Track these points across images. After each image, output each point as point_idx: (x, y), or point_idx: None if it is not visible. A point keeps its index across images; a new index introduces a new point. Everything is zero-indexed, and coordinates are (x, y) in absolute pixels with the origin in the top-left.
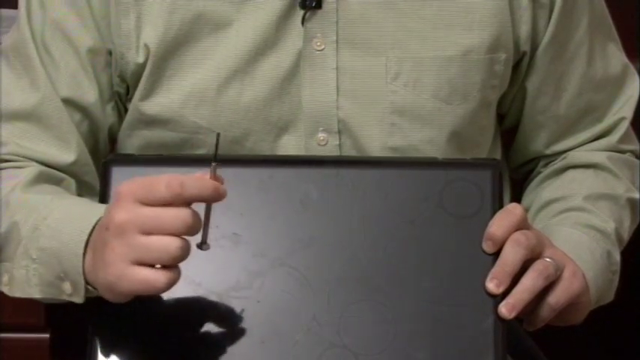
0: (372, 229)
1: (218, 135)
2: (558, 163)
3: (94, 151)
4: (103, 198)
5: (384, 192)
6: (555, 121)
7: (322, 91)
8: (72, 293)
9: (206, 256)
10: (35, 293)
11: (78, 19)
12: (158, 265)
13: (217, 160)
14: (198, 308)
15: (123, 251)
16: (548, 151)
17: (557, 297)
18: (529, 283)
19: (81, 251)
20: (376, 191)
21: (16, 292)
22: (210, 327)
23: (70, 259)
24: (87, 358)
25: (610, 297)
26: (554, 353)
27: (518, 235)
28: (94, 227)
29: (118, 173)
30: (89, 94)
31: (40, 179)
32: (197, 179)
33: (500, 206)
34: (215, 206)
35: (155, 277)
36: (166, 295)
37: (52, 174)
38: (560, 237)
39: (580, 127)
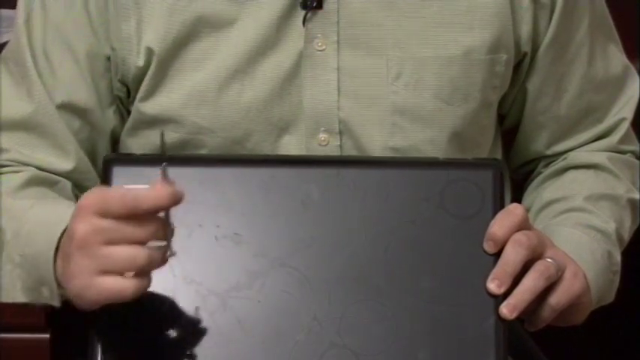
0: (372, 229)
1: (162, 133)
2: (559, 164)
3: (94, 156)
4: None
5: (385, 192)
6: (556, 121)
7: (323, 91)
8: (50, 298)
9: (207, 256)
10: (20, 297)
11: (75, 25)
12: (130, 273)
13: (167, 159)
14: (199, 308)
15: (87, 263)
16: (548, 152)
17: (558, 298)
18: (530, 283)
19: (51, 258)
20: (377, 191)
21: (3, 296)
22: (210, 327)
23: (44, 266)
24: (87, 359)
25: (611, 297)
26: (554, 353)
27: (519, 236)
28: (63, 233)
29: (118, 173)
30: (88, 100)
31: (31, 183)
32: (151, 190)
33: (502, 206)
34: (216, 206)
35: (122, 286)
36: (167, 295)
37: (45, 177)
38: (560, 237)
39: (580, 127)
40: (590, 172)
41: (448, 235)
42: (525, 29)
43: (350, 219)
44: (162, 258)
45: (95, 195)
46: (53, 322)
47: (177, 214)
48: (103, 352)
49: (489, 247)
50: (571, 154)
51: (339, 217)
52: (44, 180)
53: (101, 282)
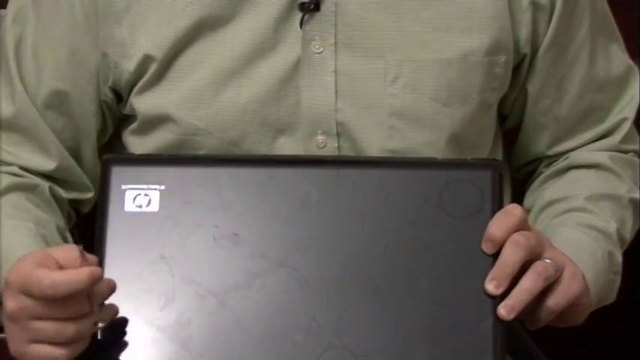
0: (371, 229)
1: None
2: (560, 164)
3: (78, 154)
4: (103, 197)
5: (384, 192)
6: (557, 122)
7: (321, 93)
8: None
9: (206, 257)
10: None
11: (60, 31)
12: None
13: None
14: (198, 308)
15: (18, 334)
16: (550, 152)
17: (556, 299)
18: (528, 284)
19: None
20: (376, 191)
21: None
22: (209, 327)
23: None
24: (87, 359)
25: (612, 298)
26: (554, 353)
27: (517, 237)
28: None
29: (117, 172)
30: (72, 102)
31: (9, 189)
32: (68, 275)
33: (500, 207)
34: (215, 206)
35: (54, 353)
36: (166, 296)
37: (24, 183)
38: (561, 237)
39: (582, 127)
40: (592, 172)
41: (447, 235)
42: (524, 31)
43: (349, 219)
44: (90, 328)
45: (18, 274)
46: None
47: (176, 215)
48: (103, 353)
49: (488, 247)
50: (572, 154)
51: (338, 218)
52: (22, 186)
53: (34, 350)
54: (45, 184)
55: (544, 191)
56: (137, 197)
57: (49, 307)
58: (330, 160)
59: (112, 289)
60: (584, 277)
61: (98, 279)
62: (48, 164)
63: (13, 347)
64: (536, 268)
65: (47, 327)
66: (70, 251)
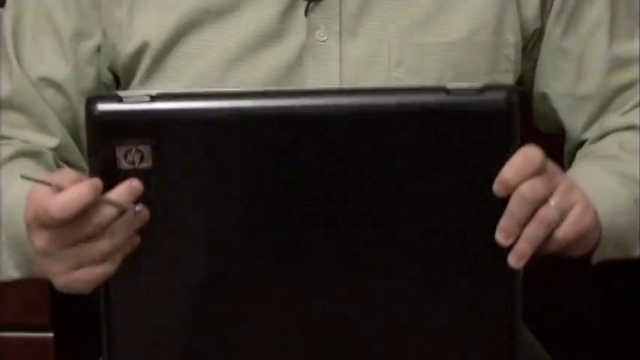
0: (378, 184)
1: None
2: (595, 134)
3: (77, 135)
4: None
5: (387, 140)
6: (588, 100)
7: (326, 82)
8: (42, 274)
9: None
10: (14, 274)
11: (64, 9)
12: None
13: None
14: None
15: (57, 267)
16: (585, 136)
17: (565, 232)
18: (531, 233)
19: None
20: (379, 140)
21: (1, 276)
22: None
23: (27, 245)
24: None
25: (636, 250)
26: (554, 353)
27: (525, 189)
28: None
29: (102, 111)
30: (71, 83)
31: (16, 155)
32: (70, 194)
33: (518, 139)
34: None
35: (99, 270)
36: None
37: (31, 150)
38: (582, 174)
39: (616, 106)
40: (629, 133)
41: (459, 179)
42: (530, 8)
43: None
44: (132, 220)
45: (30, 212)
46: (57, 322)
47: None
48: (105, 352)
49: (499, 190)
50: (605, 123)
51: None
52: (29, 152)
53: (79, 275)
54: (50, 153)
55: (578, 153)
56: (128, 154)
57: (71, 230)
58: (327, 112)
59: (133, 189)
60: (596, 213)
61: (99, 187)
62: (50, 141)
63: (58, 281)
64: (539, 215)
65: (81, 249)
66: (69, 173)
